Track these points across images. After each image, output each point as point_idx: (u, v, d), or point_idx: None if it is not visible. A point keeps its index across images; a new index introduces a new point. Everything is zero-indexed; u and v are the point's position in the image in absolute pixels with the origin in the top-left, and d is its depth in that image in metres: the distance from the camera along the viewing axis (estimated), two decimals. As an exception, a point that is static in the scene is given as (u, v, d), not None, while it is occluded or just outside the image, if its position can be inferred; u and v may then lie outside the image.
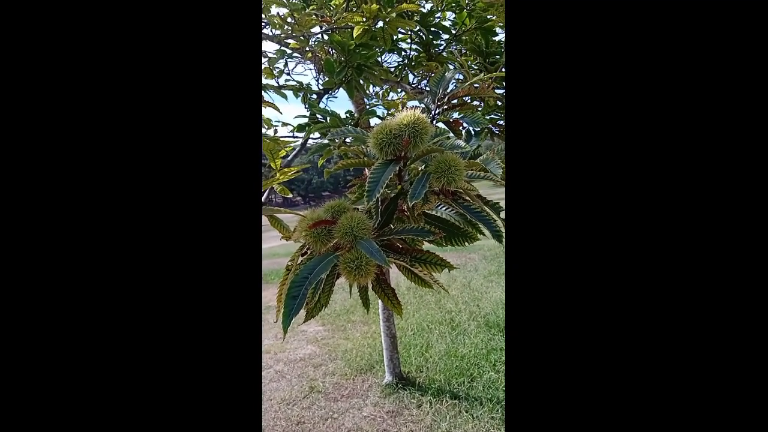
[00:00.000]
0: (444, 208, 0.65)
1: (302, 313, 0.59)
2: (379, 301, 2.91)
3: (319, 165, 1.19)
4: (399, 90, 2.26)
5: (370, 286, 0.57)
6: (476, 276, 5.41)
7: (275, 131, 1.56)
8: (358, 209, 0.58)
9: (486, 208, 0.63)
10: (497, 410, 2.48)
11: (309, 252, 0.56)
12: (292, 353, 3.75)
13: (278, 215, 0.87)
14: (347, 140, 1.36)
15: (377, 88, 2.70)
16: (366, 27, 1.44)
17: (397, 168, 0.58)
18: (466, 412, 2.50)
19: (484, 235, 0.64)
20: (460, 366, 2.98)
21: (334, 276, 0.53)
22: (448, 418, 2.46)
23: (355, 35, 1.43)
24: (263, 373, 3.37)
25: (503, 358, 3.02)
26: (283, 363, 3.55)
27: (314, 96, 1.63)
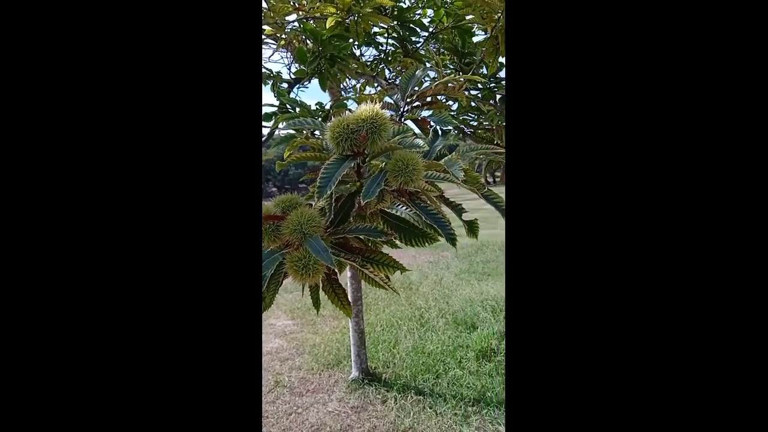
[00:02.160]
0: (404, 208, 0.64)
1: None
2: (349, 296, 2.90)
3: (285, 156, 1.15)
4: (375, 84, 2.24)
5: (321, 285, 0.55)
6: (447, 273, 5.48)
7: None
8: (311, 205, 0.56)
9: (444, 209, 0.62)
10: (460, 407, 2.52)
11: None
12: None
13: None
14: (316, 132, 1.33)
15: (354, 82, 2.66)
16: (339, 19, 1.40)
17: (354, 164, 0.56)
18: (430, 408, 2.53)
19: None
20: (426, 362, 3.01)
21: (281, 275, 0.51)
22: (411, 414, 2.48)
23: (327, 26, 1.39)
24: (227, 367, 3.29)
25: (468, 354, 3.08)
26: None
27: (284, 85, 1.58)
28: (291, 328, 4.10)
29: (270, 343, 3.74)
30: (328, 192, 0.47)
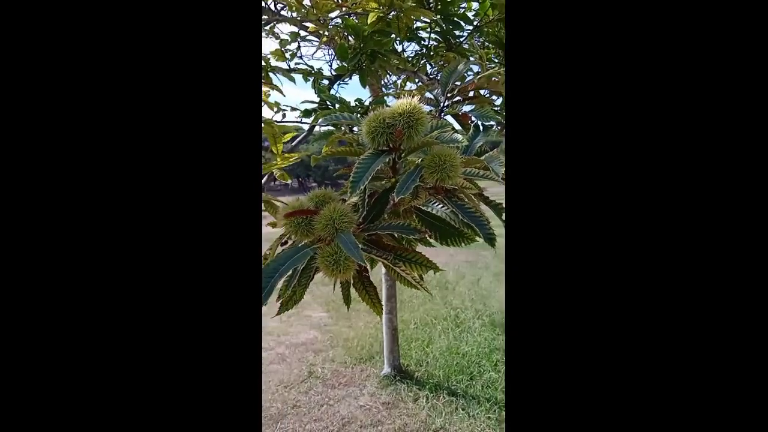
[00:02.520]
0: (440, 206, 0.62)
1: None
2: (383, 292, 2.91)
3: (322, 152, 1.16)
4: (416, 80, 2.20)
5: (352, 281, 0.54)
6: (486, 274, 5.35)
7: (283, 115, 1.54)
8: (345, 200, 0.55)
9: (484, 208, 0.59)
10: (494, 410, 2.45)
11: (290, 242, 0.54)
12: (294, 337, 3.78)
13: (275, 202, 0.85)
14: (355, 129, 1.33)
15: (394, 78, 2.64)
16: (381, 14, 1.39)
17: (390, 160, 0.55)
18: (463, 410, 2.48)
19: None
20: (460, 363, 2.96)
21: (312, 270, 0.51)
22: (443, 414, 2.45)
23: (369, 21, 1.38)
24: (264, 355, 3.42)
25: (501, 358, 2.98)
26: (284, 346, 3.59)
27: (325, 82, 1.60)
28: (326, 320, 4.18)
29: (305, 334, 3.84)
30: (361, 187, 0.46)
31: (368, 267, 0.48)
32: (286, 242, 0.55)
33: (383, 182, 0.59)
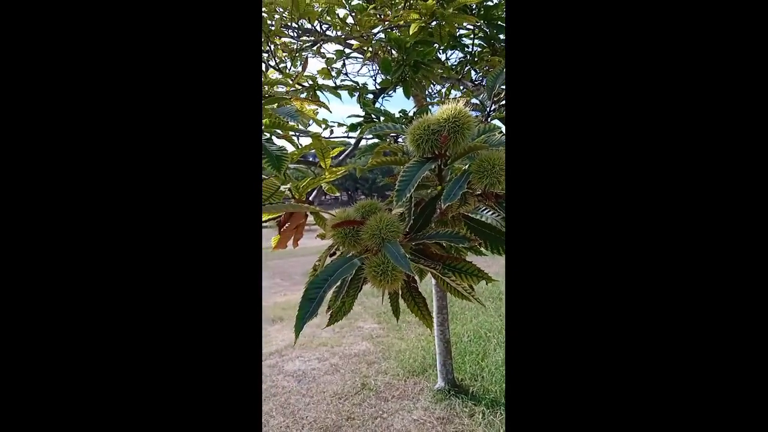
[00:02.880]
0: (489, 212, 0.59)
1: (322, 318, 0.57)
2: (434, 303, 2.85)
3: (368, 163, 1.17)
4: (461, 87, 2.18)
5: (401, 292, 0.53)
6: (541, 284, 5.08)
7: (331, 131, 1.58)
8: (390, 210, 0.55)
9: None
10: None
11: (338, 253, 0.55)
12: (347, 348, 3.82)
13: (324, 214, 0.87)
14: (400, 139, 1.33)
15: (439, 86, 2.63)
16: (422, 24, 1.40)
17: (435, 166, 0.54)
18: (523, 429, 2.34)
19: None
20: (517, 379, 2.80)
21: (360, 280, 0.51)
22: (501, 431, 2.33)
23: (411, 32, 1.39)
24: (318, 365, 3.48)
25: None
26: (338, 357, 3.63)
27: (370, 96, 1.63)
28: (377, 332, 4.18)
29: (357, 345, 3.86)
30: (407, 195, 0.46)
31: (417, 278, 0.47)
32: (334, 253, 0.55)
33: (429, 190, 0.58)
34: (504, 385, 2.74)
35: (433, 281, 2.67)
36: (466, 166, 0.57)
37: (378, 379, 3.14)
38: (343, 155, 1.33)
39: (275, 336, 4.16)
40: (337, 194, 1.19)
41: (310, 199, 1.04)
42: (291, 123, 0.66)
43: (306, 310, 0.42)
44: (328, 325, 0.54)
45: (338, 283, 0.45)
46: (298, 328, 0.41)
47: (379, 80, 1.69)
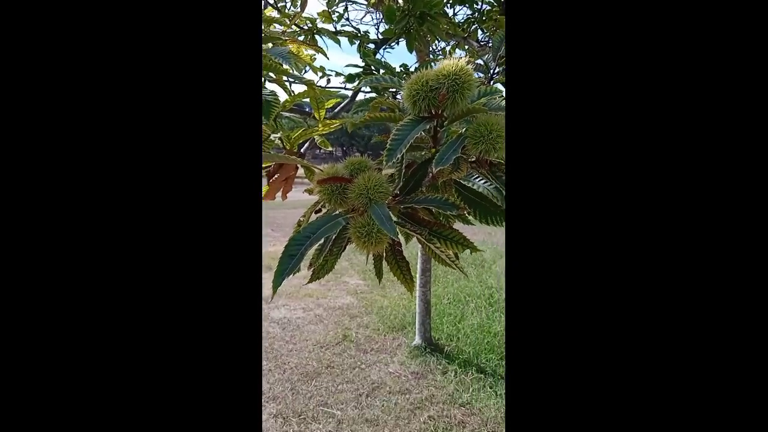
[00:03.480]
0: (482, 181, 0.58)
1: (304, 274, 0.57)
2: (419, 265, 2.91)
3: (360, 119, 1.13)
4: (466, 47, 2.08)
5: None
6: (525, 255, 5.19)
7: (328, 80, 1.51)
8: (381, 170, 0.53)
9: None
10: (523, 392, 2.43)
11: (324, 210, 0.53)
12: (332, 300, 3.92)
13: (314, 168, 0.84)
14: (399, 95, 1.28)
15: (443, 44, 2.51)
16: (433, -30, 1.30)
17: (430, 127, 0.51)
18: (491, 387, 2.48)
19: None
20: (491, 342, 2.93)
21: (344, 240, 0.50)
22: (471, 390, 2.47)
23: (420, -21, 1.30)
24: (303, 315, 3.58)
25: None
26: (322, 308, 3.74)
27: (371, 46, 1.54)
28: (362, 287, 4.29)
29: (342, 299, 3.97)
30: (398, 156, 0.43)
31: (402, 241, 0.46)
32: (320, 210, 0.54)
33: (423, 152, 0.56)
34: (478, 348, 2.87)
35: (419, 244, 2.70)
36: (463, 130, 0.54)
37: (359, 332, 3.26)
38: (339, 108, 1.28)
39: (264, 284, 4.24)
40: (331, 149, 1.16)
41: (302, 151, 1.01)
42: (285, 66, 0.61)
43: (285, 266, 0.41)
44: (308, 282, 0.53)
45: (321, 241, 0.44)
46: (276, 283, 0.40)
47: (381, 30, 1.60)
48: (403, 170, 0.51)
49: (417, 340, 2.97)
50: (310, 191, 0.65)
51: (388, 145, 0.45)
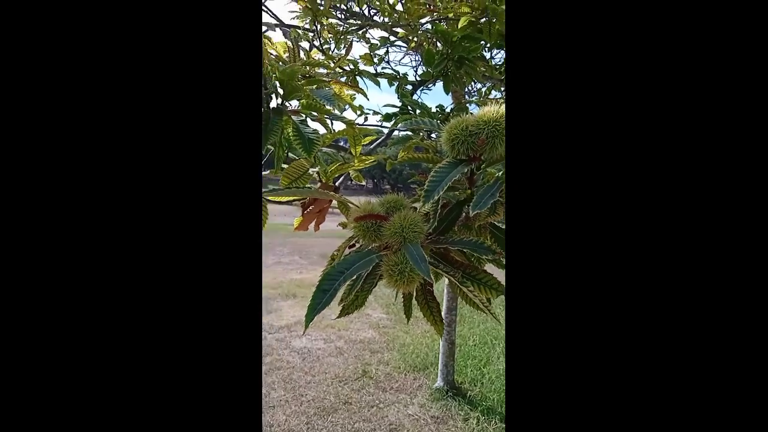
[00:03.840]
0: (517, 224, 0.57)
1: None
2: (444, 303, 2.83)
3: (398, 157, 1.16)
4: (502, 89, 2.11)
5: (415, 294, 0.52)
6: (557, 299, 4.96)
7: (365, 118, 1.57)
8: (415, 209, 0.53)
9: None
10: (552, 450, 2.25)
11: (358, 246, 0.54)
12: (353, 333, 3.86)
13: (349, 203, 0.86)
14: (433, 135, 1.31)
15: (479, 85, 2.57)
16: (472, 18, 1.35)
17: (468, 170, 0.52)
18: (517, 441, 2.32)
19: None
20: (519, 391, 2.76)
21: (376, 276, 0.50)
22: (494, 441, 2.31)
23: (459, 26, 1.35)
24: (324, 346, 3.54)
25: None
26: (343, 341, 3.68)
27: (409, 87, 1.60)
28: (385, 322, 4.21)
29: (363, 332, 3.90)
30: (435, 197, 0.44)
31: (433, 281, 0.46)
32: (353, 245, 0.55)
33: (457, 193, 0.56)
34: (503, 395, 2.71)
35: (446, 281, 2.65)
36: (499, 173, 0.55)
37: (379, 369, 3.17)
38: (374, 144, 1.32)
39: (287, 311, 4.24)
40: (363, 183, 1.19)
41: (337, 184, 1.04)
42: (327, 107, 0.65)
43: (318, 301, 0.41)
44: (338, 317, 0.53)
45: (353, 278, 0.44)
46: (309, 318, 0.41)
47: (420, 72, 1.66)
48: (439, 210, 0.51)
49: (439, 382, 2.85)
50: (344, 225, 0.66)
51: (426, 185, 0.46)
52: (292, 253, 7.50)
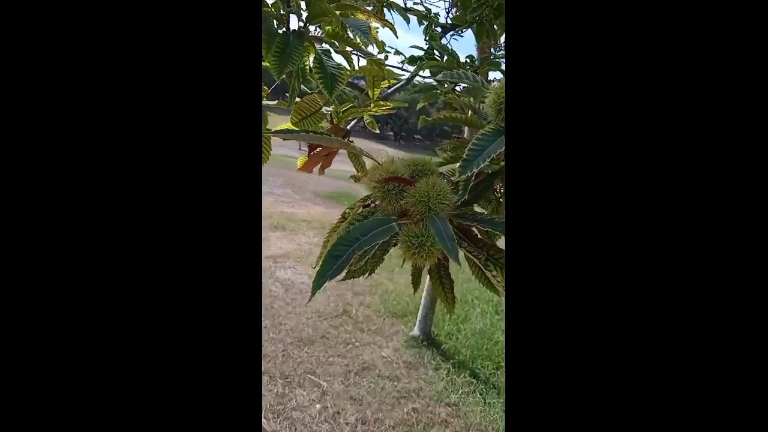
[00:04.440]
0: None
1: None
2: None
3: (417, 107, 1.07)
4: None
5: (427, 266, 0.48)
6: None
7: (386, 57, 1.44)
8: (444, 175, 0.48)
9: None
10: (511, 406, 2.41)
11: (373, 205, 0.49)
12: (338, 274, 3.94)
13: (363, 156, 0.79)
14: (458, 87, 1.21)
15: (510, 38, 2.37)
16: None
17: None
18: (480, 394, 2.47)
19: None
20: (490, 350, 2.90)
21: (390, 244, 0.46)
22: (460, 392, 2.46)
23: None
24: (308, 281, 3.62)
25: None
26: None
27: (439, 29, 1.46)
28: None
29: (348, 274, 3.98)
30: (476, 169, 0.38)
31: (460, 264, 0.41)
32: (368, 205, 0.49)
33: (493, 164, 0.50)
34: (475, 351, 2.85)
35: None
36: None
37: (359, 310, 3.27)
38: (392, 89, 1.22)
39: (274, 242, 4.28)
40: (377, 130, 1.11)
41: (348, 128, 0.96)
42: (358, 39, 0.56)
43: (329, 268, 0.37)
44: (343, 279, 0.50)
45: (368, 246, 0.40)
46: (317, 284, 0.37)
47: (452, 15, 1.50)
48: (472, 182, 0.45)
49: (416, 331, 2.97)
50: (356, 179, 0.60)
51: (465, 154, 0.40)
52: (285, 185, 7.42)
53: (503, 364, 2.78)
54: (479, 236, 0.46)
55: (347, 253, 0.38)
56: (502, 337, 3.08)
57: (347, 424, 2.08)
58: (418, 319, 3.00)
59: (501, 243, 0.49)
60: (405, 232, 0.42)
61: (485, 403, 2.41)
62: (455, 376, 2.59)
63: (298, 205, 6.53)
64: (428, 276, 0.53)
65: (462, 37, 1.45)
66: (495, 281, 0.41)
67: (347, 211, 0.50)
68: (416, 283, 0.53)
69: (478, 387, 2.53)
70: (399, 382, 2.51)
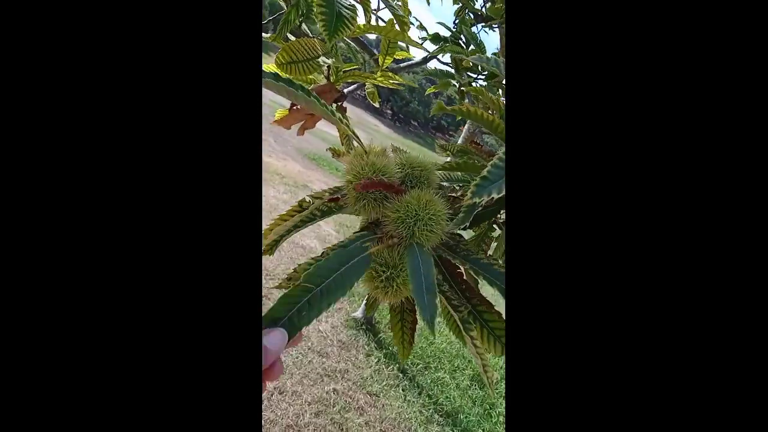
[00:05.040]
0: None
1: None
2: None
3: (426, 92, 0.94)
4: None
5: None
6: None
7: (408, 27, 1.29)
8: (442, 188, 0.37)
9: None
10: (429, 409, 2.43)
11: (342, 200, 0.37)
12: (299, 238, 3.81)
13: (352, 137, 0.67)
14: (480, 80, 1.09)
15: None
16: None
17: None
18: (403, 390, 2.47)
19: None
20: (424, 350, 2.91)
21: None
22: (384, 384, 2.45)
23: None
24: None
25: (466, 368, 2.91)
26: (287, 242, 3.63)
27: (471, 15, 1.32)
28: (332, 237, 4.18)
29: (308, 240, 3.86)
30: (495, 195, 0.28)
31: (435, 335, 0.31)
32: (336, 198, 0.37)
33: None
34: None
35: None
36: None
37: (308, 279, 3.18)
38: (405, 63, 1.08)
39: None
40: (377, 104, 0.98)
41: (344, 92, 0.83)
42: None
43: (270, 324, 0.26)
44: (277, 287, 0.38)
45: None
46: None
47: (489, 6, 1.36)
48: (478, 209, 0.34)
49: (358, 314, 2.92)
50: (336, 154, 0.48)
51: (485, 172, 0.29)
52: (267, 133, 7.06)
53: (431, 366, 2.79)
54: (464, 277, 0.36)
55: (294, 310, 0.29)
56: (443, 343, 3.08)
57: (263, 390, 2.02)
58: (363, 303, 2.95)
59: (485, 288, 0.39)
60: (374, 259, 0.30)
61: (405, 399, 2.41)
62: (384, 367, 2.57)
63: (277, 156, 6.26)
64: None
65: (494, 31, 1.32)
66: (472, 344, 0.31)
67: (307, 199, 0.38)
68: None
69: (402, 382, 2.52)
70: (328, 359, 2.47)
